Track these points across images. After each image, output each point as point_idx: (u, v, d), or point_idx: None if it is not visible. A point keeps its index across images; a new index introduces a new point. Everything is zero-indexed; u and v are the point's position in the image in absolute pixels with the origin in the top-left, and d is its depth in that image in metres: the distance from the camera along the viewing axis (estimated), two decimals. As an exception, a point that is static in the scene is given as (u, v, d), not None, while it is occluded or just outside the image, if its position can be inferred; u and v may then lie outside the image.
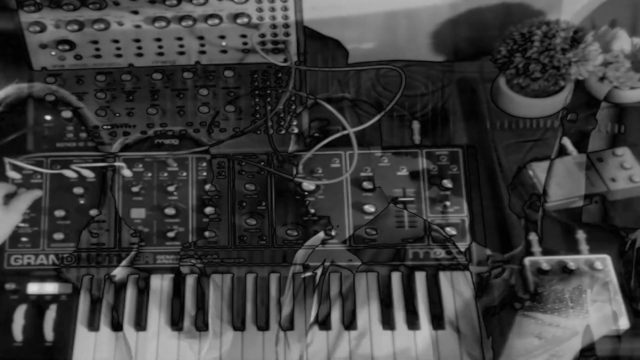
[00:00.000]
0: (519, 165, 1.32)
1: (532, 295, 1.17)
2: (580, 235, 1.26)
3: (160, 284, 1.25)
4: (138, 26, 1.34)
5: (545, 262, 1.21)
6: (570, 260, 1.21)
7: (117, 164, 1.30)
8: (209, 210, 1.27)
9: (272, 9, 1.33)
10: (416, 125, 1.36)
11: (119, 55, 1.37)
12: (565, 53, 1.29)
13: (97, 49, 1.36)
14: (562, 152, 1.34)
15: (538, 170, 1.30)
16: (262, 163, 1.30)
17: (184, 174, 1.30)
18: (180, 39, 1.36)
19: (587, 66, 1.31)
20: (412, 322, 1.21)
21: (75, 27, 1.33)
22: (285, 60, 1.37)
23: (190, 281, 1.25)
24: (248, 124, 1.34)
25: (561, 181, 1.29)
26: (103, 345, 1.21)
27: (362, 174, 1.29)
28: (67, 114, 1.34)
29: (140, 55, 1.37)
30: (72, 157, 1.31)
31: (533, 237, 1.26)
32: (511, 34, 1.32)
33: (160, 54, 1.37)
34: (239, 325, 1.22)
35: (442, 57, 1.48)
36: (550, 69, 1.30)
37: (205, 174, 1.30)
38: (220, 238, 1.27)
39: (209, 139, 1.33)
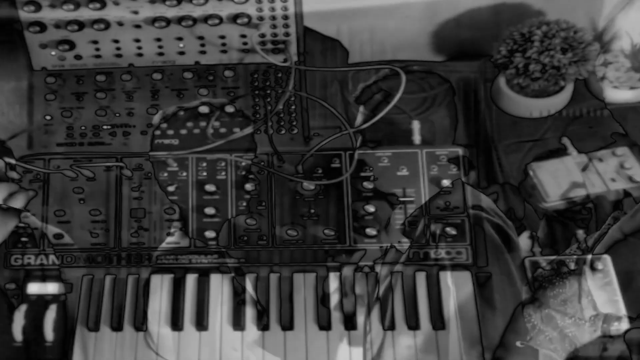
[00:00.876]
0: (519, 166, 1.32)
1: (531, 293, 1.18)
2: (581, 235, 1.26)
3: (160, 284, 1.26)
4: (138, 26, 1.34)
5: (545, 262, 1.21)
6: (571, 260, 1.21)
7: (117, 164, 1.30)
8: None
9: (272, 9, 1.33)
10: (416, 125, 1.36)
11: (119, 55, 1.37)
12: (565, 53, 1.29)
13: (97, 49, 1.36)
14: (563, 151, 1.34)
15: (538, 170, 1.30)
16: (263, 163, 1.30)
17: (184, 174, 1.30)
18: (180, 39, 1.36)
19: (587, 66, 1.31)
20: (412, 322, 1.21)
21: (75, 27, 1.33)
22: (285, 60, 1.37)
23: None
24: (248, 124, 1.35)
25: (561, 181, 1.29)
26: (103, 345, 1.22)
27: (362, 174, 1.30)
28: (67, 113, 1.35)
29: (140, 55, 1.37)
30: (72, 157, 1.32)
31: (533, 237, 1.26)
32: (511, 34, 1.32)
33: (160, 54, 1.37)
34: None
35: (442, 57, 1.48)
36: (550, 69, 1.30)
37: (205, 174, 1.30)
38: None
39: (211, 139, 1.33)
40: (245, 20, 1.33)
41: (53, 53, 1.36)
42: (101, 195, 1.29)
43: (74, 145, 1.33)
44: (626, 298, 1.16)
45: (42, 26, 1.33)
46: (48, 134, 1.34)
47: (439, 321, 1.21)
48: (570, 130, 1.36)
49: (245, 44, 1.37)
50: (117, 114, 1.35)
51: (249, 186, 1.28)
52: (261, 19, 1.34)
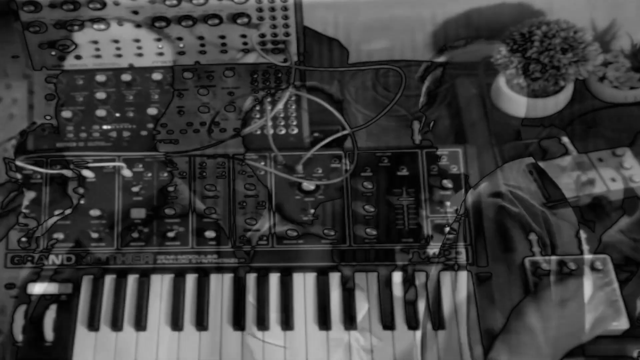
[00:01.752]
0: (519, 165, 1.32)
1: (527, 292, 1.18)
2: (581, 235, 1.26)
3: (160, 284, 1.26)
4: (138, 26, 1.34)
5: (545, 262, 1.21)
6: (571, 260, 1.21)
7: (117, 164, 1.30)
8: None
9: (272, 9, 1.33)
10: (416, 125, 1.36)
11: (119, 55, 1.37)
12: (565, 53, 1.29)
13: (97, 49, 1.36)
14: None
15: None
16: (263, 163, 1.30)
17: (184, 174, 1.30)
18: (180, 39, 1.35)
19: (587, 66, 1.31)
20: (412, 322, 1.21)
21: (75, 27, 1.33)
22: (285, 60, 1.37)
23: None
24: (248, 124, 1.35)
25: (560, 181, 1.29)
26: (103, 345, 1.22)
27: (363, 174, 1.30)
28: (67, 113, 1.35)
29: (140, 55, 1.37)
30: (72, 157, 1.32)
31: (533, 237, 1.26)
32: (511, 34, 1.32)
33: (160, 54, 1.37)
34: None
35: (442, 57, 1.48)
36: (550, 69, 1.30)
37: (205, 174, 1.30)
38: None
39: (210, 138, 1.33)
40: (245, 20, 1.33)
41: (53, 53, 1.36)
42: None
43: (74, 145, 1.34)
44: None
45: (42, 26, 1.33)
46: (48, 134, 1.34)
47: (439, 321, 1.21)
48: (570, 130, 1.36)
49: (245, 44, 1.37)
50: (117, 114, 1.35)
51: (248, 186, 1.28)
52: (261, 19, 1.34)
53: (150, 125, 1.34)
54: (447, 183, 1.27)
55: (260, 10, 1.33)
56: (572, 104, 1.39)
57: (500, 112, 1.39)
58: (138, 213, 1.28)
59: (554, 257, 1.22)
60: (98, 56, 1.37)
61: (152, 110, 1.35)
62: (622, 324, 1.16)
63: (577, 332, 1.11)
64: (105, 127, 1.35)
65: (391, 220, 1.27)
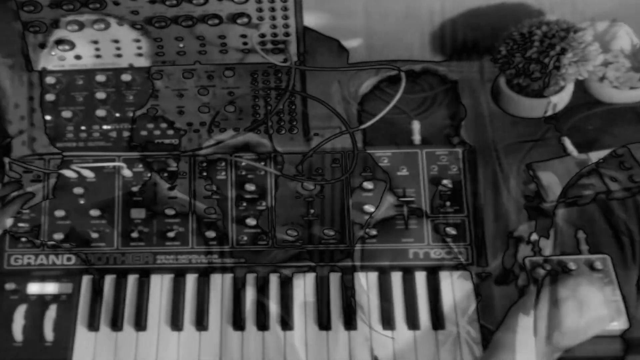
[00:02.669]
0: (519, 166, 1.32)
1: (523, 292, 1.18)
2: (580, 235, 1.26)
3: (160, 284, 1.26)
4: (138, 26, 1.34)
5: (545, 262, 1.21)
6: (571, 260, 1.21)
7: (117, 164, 1.30)
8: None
9: (272, 9, 1.33)
10: (416, 125, 1.36)
11: (119, 55, 1.37)
12: (565, 53, 1.29)
13: (97, 49, 1.36)
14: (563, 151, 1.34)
15: (538, 171, 1.30)
16: (263, 163, 1.30)
17: (184, 173, 1.30)
18: (180, 39, 1.35)
19: (587, 66, 1.31)
20: (412, 322, 1.21)
21: (75, 27, 1.33)
22: (285, 60, 1.37)
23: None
24: (248, 124, 1.35)
25: (561, 181, 1.29)
26: (103, 345, 1.22)
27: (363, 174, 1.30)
28: (67, 113, 1.35)
29: (140, 55, 1.37)
30: (72, 157, 1.32)
31: (533, 237, 1.26)
32: (511, 34, 1.32)
33: (160, 54, 1.37)
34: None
35: (442, 57, 1.48)
36: (550, 69, 1.30)
37: (205, 173, 1.30)
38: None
39: (209, 138, 1.33)
40: (245, 20, 1.33)
41: (53, 53, 1.36)
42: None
43: (74, 145, 1.34)
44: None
45: (42, 26, 1.33)
46: (48, 134, 1.34)
47: (438, 321, 1.21)
48: (570, 130, 1.37)
49: (245, 44, 1.37)
50: (117, 114, 1.35)
51: (249, 186, 1.28)
52: (261, 19, 1.34)
53: (150, 125, 1.34)
54: (447, 183, 1.27)
55: (260, 10, 1.33)
56: (572, 104, 1.39)
57: (500, 112, 1.39)
58: (138, 213, 1.28)
59: (554, 258, 1.22)
60: (98, 56, 1.37)
61: (152, 111, 1.35)
62: (621, 324, 1.16)
63: (574, 332, 1.11)
64: (105, 127, 1.35)
65: (391, 220, 1.27)
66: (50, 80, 1.37)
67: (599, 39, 1.38)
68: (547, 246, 1.25)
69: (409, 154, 1.31)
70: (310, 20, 1.37)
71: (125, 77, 1.36)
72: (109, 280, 1.26)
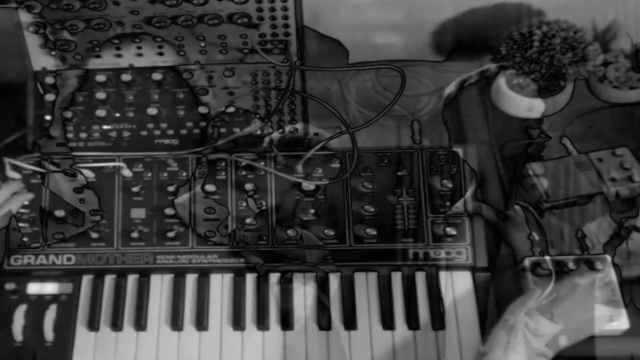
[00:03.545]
0: (517, 165, 1.32)
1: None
2: (580, 234, 1.26)
3: (160, 284, 1.26)
4: (138, 26, 1.34)
5: (545, 262, 1.21)
6: (570, 260, 1.21)
7: (117, 164, 1.30)
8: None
9: (272, 9, 1.33)
10: (416, 125, 1.36)
11: (119, 55, 1.37)
12: (565, 53, 1.29)
13: (97, 49, 1.36)
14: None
15: (538, 170, 1.30)
16: (263, 163, 1.30)
17: (184, 174, 1.30)
18: (180, 38, 1.35)
19: (587, 66, 1.31)
20: (412, 322, 1.21)
21: (76, 27, 1.33)
22: (285, 60, 1.37)
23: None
24: (248, 124, 1.35)
25: (561, 181, 1.29)
26: (103, 345, 1.22)
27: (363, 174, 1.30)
28: (67, 113, 1.35)
29: (140, 55, 1.37)
30: (72, 157, 1.32)
31: (533, 237, 1.26)
32: (511, 34, 1.32)
33: (160, 54, 1.37)
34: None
35: (442, 57, 1.48)
36: (550, 69, 1.30)
37: (205, 173, 1.30)
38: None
39: (209, 138, 1.33)
40: (245, 20, 1.33)
41: (53, 53, 1.36)
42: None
43: (74, 145, 1.34)
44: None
45: (42, 26, 1.33)
46: (48, 134, 1.34)
47: (438, 321, 1.21)
48: (570, 130, 1.37)
49: (245, 44, 1.37)
50: (117, 114, 1.35)
51: (249, 186, 1.28)
52: (261, 19, 1.34)
53: (151, 125, 1.34)
54: (447, 183, 1.27)
55: (260, 10, 1.33)
56: (572, 104, 1.39)
57: (500, 112, 1.39)
58: (138, 213, 1.28)
59: (554, 257, 1.22)
60: (98, 56, 1.37)
61: (152, 110, 1.35)
62: (622, 324, 1.16)
63: (572, 331, 1.11)
64: (105, 127, 1.35)
65: (391, 220, 1.27)
66: (50, 80, 1.37)
67: (599, 39, 1.38)
68: (544, 245, 1.25)
69: (409, 154, 1.31)
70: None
71: (125, 77, 1.36)
72: (109, 280, 1.26)
